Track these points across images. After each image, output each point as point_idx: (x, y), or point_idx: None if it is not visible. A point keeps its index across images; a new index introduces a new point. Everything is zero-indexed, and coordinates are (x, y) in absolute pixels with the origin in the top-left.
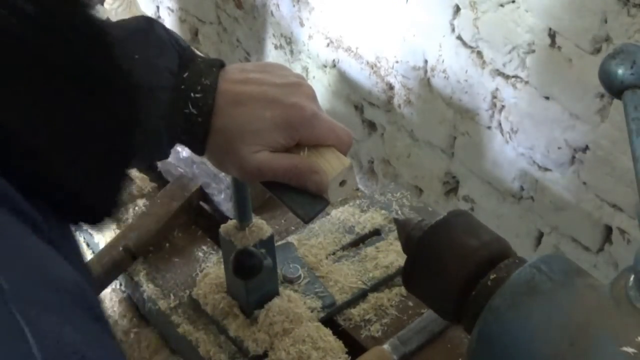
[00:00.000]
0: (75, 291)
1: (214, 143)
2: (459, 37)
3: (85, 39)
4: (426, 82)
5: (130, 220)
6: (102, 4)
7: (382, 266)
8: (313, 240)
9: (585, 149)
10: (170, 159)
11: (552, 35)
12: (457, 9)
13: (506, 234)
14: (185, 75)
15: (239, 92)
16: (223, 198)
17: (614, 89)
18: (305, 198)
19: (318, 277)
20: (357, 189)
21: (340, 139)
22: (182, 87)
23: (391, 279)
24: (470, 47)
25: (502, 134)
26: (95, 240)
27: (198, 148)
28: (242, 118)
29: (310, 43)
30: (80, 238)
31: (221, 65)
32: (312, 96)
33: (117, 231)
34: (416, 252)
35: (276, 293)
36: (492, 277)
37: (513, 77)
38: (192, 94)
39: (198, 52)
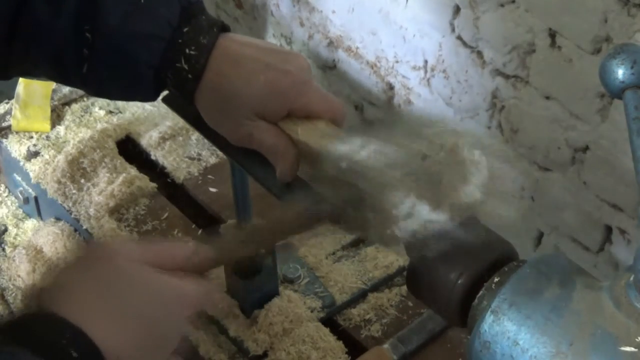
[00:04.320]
0: None
1: (207, 100)
2: (459, 37)
3: None
4: (426, 82)
5: (131, 220)
6: None
7: (382, 266)
8: (313, 240)
9: (585, 149)
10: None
11: (552, 35)
12: (457, 9)
13: (506, 234)
14: (185, 30)
15: (238, 53)
16: None
17: (615, 88)
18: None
19: (318, 277)
20: None
21: (333, 109)
22: (179, 40)
23: (391, 279)
24: (470, 47)
25: (502, 134)
26: (94, 240)
27: (187, 100)
28: (237, 80)
29: (310, 43)
30: (81, 238)
31: (223, 27)
32: (306, 68)
33: (118, 230)
34: (419, 256)
35: (276, 293)
36: (496, 280)
37: (513, 77)
38: (187, 50)
39: (205, 10)
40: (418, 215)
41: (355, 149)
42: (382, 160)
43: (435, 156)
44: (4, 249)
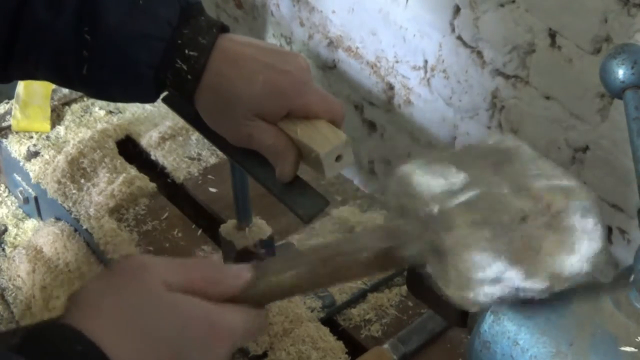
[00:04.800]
0: None
1: (207, 100)
2: (459, 37)
3: None
4: (426, 82)
5: (131, 221)
6: None
7: (389, 271)
8: (313, 240)
9: (585, 149)
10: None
11: (552, 35)
12: (457, 9)
13: None
14: (185, 30)
15: (237, 53)
16: None
17: (615, 88)
18: (306, 198)
19: None
20: (358, 189)
21: (333, 110)
22: (179, 41)
23: (391, 279)
24: (470, 47)
25: (502, 134)
26: (94, 240)
27: (186, 101)
28: (236, 80)
29: (310, 43)
30: (81, 238)
31: (223, 27)
32: (306, 68)
33: (118, 230)
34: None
35: None
36: None
37: (513, 77)
38: (186, 50)
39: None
40: (508, 281)
41: (454, 191)
42: (475, 216)
43: (539, 218)
44: (4, 249)
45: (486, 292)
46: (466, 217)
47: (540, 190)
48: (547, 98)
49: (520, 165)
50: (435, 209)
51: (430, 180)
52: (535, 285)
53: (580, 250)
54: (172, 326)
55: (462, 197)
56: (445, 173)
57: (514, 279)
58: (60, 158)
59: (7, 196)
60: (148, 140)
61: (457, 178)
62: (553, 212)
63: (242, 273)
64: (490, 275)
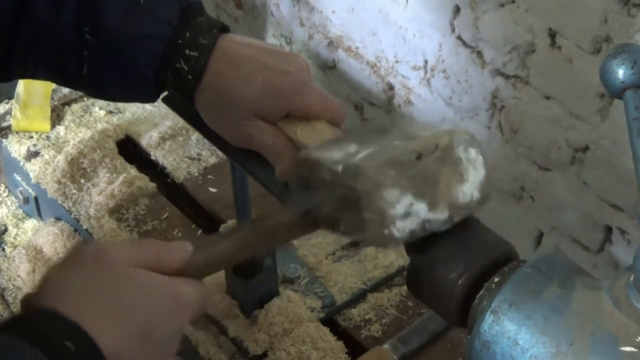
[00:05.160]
0: None
1: (207, 101)
2: (459, 37)
3: None
4: (426, 82)
5: (131, 221)
6: None
7: (382, 266)
8: (313, 240)
9: (585, 149)
10: None
11: (552, 35)
12: (457, 9)
13: (506, 234)
14: (185, 30)
15: (237, 53)
16: None
17: (615, 88)
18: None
19: (318, 277)
20: None
21: (332, 110)
22: (179, 41)
23: (391, 279)
24: (470, 47)
25: (502, 134)
26: (94, 240)
27: (186, 101)
28: (236, 80)
29: (310, 43)
30: (81, 238)
31: (223, 28)
32: (306, 68)
33: (118, 230)
34: (419, 256)
35: (276, 293)
36: (496, 280)
37: (513, 77)
38: (186, 51)
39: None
40: (416, 214)
41: (351, 153)
42: (377, 161)
43: (431, 155)
44: (4, 249)
45: (399, 227)
46: (370, 163)
47: (427, 135)
48: (547, 98)
49: (407, 126)
50: (340, 167)
51: (329, 153)
52: (438, 215)
53: (468, 179)
54: (140, 298)
55: (362, 154)
56: (339, 146)
57: (420, 211)
58: (60, 158)
59: (7, 196)
60: (148, 140)
61: (352, 147)
62: (442, 148)
63: (184, 247)
64: (401, 210)
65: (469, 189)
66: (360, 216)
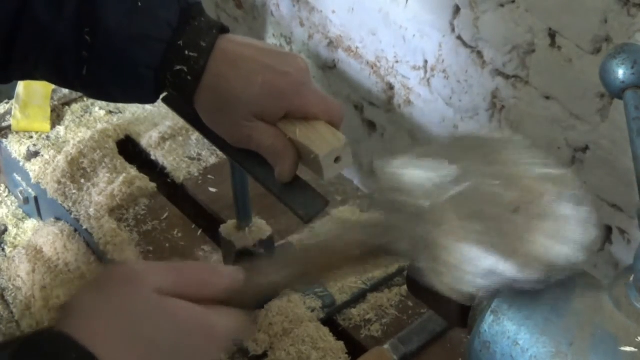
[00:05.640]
0: None
1: (206, 101)
2: (459, 37)
3: None
4: (426, 82)
5: (131, 221)
6: None
7: (382, 266)
8: (313, 241)
9: (585, 149)
10: None
11: (552, 35)
12: (457, 9)
13: None
14: (185, 31)
15: (237, 54)
16: None
17: (615, 88)
18: (306, 198)
19: None
20: (358, 189)
21: (331, 111)
22: (179, 42)
23: (391, 279)
24: (470, 47)
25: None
26: (94, 240)
27: (186, 101)
28: (235, 81)
29: (310, 43)
30: (81, 238)
31: (222, 28)
32: (305, 69)
33: (118, 230)
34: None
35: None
36: None
37: (513, 77)
38: (186, 52)
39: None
40: (500, 274)
41: (441, 183)
42: (466, 210)
43: (532, 208)
44: (4, 249)
45: (480, 285)
46: (457, 211)
47: (531, 179)
48: (547, 98)
49: (511, 155)
50: (426, 203)
51: (421, 175)
52: (530, 276)
53: (574, 239)
54: (166, 331)
55: (453, 191)
56: (435, 167)
57: (508, 271)
58: (60, 158)
59: (7, 196)
60: (148, 140)
61: (448, 171)
62: (546, 202)
63: (236, 275)
64: (482, 269)
65: (573, 250)
66: (437, 264)
